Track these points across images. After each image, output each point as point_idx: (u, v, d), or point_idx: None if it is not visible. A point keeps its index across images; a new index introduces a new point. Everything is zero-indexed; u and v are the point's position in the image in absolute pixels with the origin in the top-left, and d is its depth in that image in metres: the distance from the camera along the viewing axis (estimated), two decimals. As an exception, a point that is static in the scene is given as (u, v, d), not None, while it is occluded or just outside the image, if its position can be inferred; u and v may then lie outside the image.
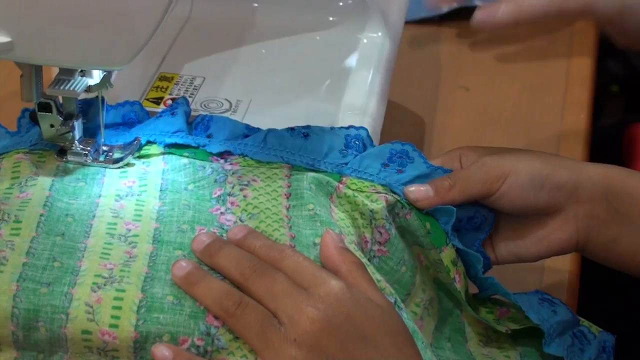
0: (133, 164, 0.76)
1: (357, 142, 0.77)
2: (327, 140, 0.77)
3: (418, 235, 0.75)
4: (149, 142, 0.78)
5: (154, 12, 0.71)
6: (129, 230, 0.70)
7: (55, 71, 0.74)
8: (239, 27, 0.98)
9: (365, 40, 0.95)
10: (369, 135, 0.78)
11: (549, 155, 0.76)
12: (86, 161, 0.76)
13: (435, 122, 1.05)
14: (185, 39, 0.97)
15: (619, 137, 1.21)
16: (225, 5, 0.99)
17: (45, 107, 0.74)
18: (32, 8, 0.66)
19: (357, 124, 0.79)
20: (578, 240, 0.76)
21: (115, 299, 0.65)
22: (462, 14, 1.23)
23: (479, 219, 0.76)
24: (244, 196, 0.73)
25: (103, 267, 0.67)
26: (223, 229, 0.71)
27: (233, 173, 0.75)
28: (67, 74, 0.73)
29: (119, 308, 0.65)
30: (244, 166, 0.76)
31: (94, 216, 0.72)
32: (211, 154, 0.77)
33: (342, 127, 0.78)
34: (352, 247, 0.70)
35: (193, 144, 0.77)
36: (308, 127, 0.78)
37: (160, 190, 0.74)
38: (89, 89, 0.74)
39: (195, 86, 0.90)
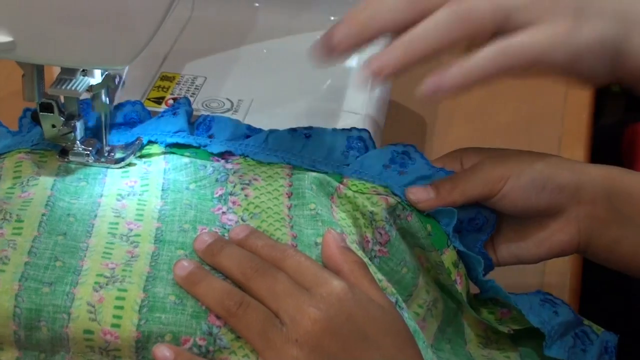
0: (134, 164, 0.76)
1: (359, 144, 0.77)
2: (329, 141, 0.77)
3: (419, 237, 0.75)
4: (150, 142, 0.78)
5: (155, 12, 0.71)
6: (131, 229, 0.70)
7: (56, 71, 0.74)
8: (241, 27, 0.98)
9: (366, 40, 0.95)
10: (370, 137, 0.78)
11: (550, 156, 0.76)
12: (88, 161, 0.76)
13: (436, 123, 1.05)
14: (187, 38, 0.97)
15: (619, 137, 1.21)
16: (227, 5, 0.99)
17: (47, 108, 0.74)
18: (34, 8, 0.66)
19: (358, 124, 0.79)
20: (579, 242, 0.76)
21: (117, 298, 0.65)
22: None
23: (481, 220, 0.76)
24: (246, 195, 0.73)
25: (105, 266, 0.67)
26: (225, 228, 0.71)
27: (234, 172, 0.75)
28: (68, 73, 0.73)
29: (121, 308, 0.65)
30: (245, 166, 0.76)
31: (95, 216, 0.72)
32: (212, 154, 0.77)
33: (344, 129, 0.78)
34: (354, 247, 0.70)
35: (194, 144, 0.77)
36: (310, 128, 0.78)
37: (162, 190, 0.74)
38: (90, 88, 0.74)
39: (196, 86, 0.90)
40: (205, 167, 0.76)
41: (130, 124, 0.80)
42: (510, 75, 0.72)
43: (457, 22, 0.70)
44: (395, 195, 0.75)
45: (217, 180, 0.74)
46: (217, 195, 0.73)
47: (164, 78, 0.90)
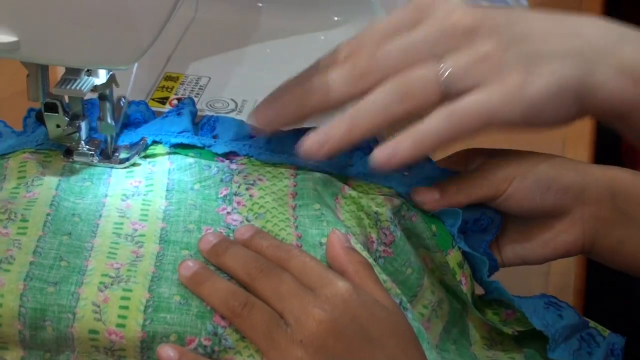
0: (139, 164, 0.76)
1: (363, 144, 0.77)
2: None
3: (424, 238, 0.75)
4: (154, 142, 0.78)
5: (160, 12, 0.71)
6: (136, 230, 0.70)
7: (61, 71, 0.74)
8: (244, 27, 0.99)
9: (370, 41, 0.95)
10: (375, 139, 0.78)
11: (555, 157, 0.76)
12: (92, 161, 0.76)
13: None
14: (191, 38, 0.97)
15: (619, 137, 1.21)
16: (230, 6, 0.99)
17: (51, 108, 0.74)
18: (39, 7, 0.66)
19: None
20: (584, 243, 0.76)
21: (122, 298, 0.65)
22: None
23: (485, 221, 0.76)
24: (250, 195, 0.73)
25: (110, 266, 0.67)
26: (230, 228, 0.71)
27: (239, 172, 0.75)
28: (73, 73, 0.73)
29: (126, 308, 0.65)
30: (249, 166, 0.76)
31: (100, 216, 0.72)
32: (217, 154, 0.77)
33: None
34: (359, 247, 0.70)
35: (199, 144, 0.77)
36: (314, 128, 0.78)
37: (167, 190, 0.74)
38: (95, 88, 0.74)
39: (200, 86, 0.90)
40: (210, 167, 0.76)
41: (134, 124, 0.80)
42: (467, 138, 0.70)
43: (398, 98, 0.69)
44: (400, 196, 0.75)
45: (221, 180, 0.75)
46: (221, 196, 0.73)
47: (168, 78, 0.91)
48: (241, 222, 0.71)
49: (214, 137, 0.78)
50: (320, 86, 0.71)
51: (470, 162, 0.78)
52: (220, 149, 0.77)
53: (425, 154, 0.71)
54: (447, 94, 0.68)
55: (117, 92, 0.76)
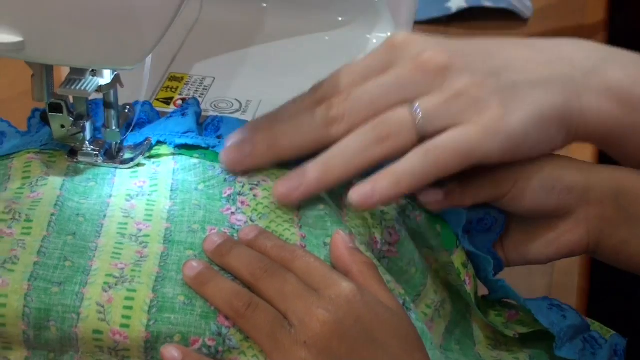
0: (143, 164, 0.77)
1: None
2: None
3: (428, 238, 0.75)
4: (159, 142, 0.78)
5: (164, 13, 0.71)
6: (140, 230, 0.71)
7: (66, 71, 0.74)
8: (248, 28, 0.99)
9: (374, 41, 0.96)
10: None
11: (559, 157, 0.76)
12: (96, 161, 0.76)
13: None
14: (195, 39, 0.97)
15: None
16: (235, 6, 0.99)
17: (56, 108, 0.74)
18: (43, 8, 0.66)
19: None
20: (589, 243, 0.76)
21: (127, 298, 0.65)
22: (470, 15, 1.23)
23: (490, 221, 0.76)
24: (254, 196, 0.73)
25: (114, 266, 0.67)
26: (234, 229, 0.71)
27: (243, 172, 0.75)
28: (78, 73, 0.73)
29: (130, 308, 0.65)
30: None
31: (104, 216, 0.72)
32: (220, 154, 0.77)
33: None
34: (363, 248, 0.70)
35: (203, 145, 0.77)
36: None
37: (171, 190, 0.74)
38: (99, 88, 0.74)
39: (205, 86, 0.90)
40: (214, 167, 0.76)
41: (139, 124, 0.80)
42: (447, 175, 0.70)
43: (375, 141, 0.69)
44: (405, 196, 0.75)
45: (225, 180, 0.75)
46: (225, 196, 0.73)
47: (172, 78, 0.91)
48: (245, 223, 0.71)
49: (218, 137, 0.78)
50: (293, 128, 0.71)
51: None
52: (224, 149, 0.77)
53: (402, 194, 0.70)
54: (424, 134, 0.69)
55: (126, 96, 0.76)
